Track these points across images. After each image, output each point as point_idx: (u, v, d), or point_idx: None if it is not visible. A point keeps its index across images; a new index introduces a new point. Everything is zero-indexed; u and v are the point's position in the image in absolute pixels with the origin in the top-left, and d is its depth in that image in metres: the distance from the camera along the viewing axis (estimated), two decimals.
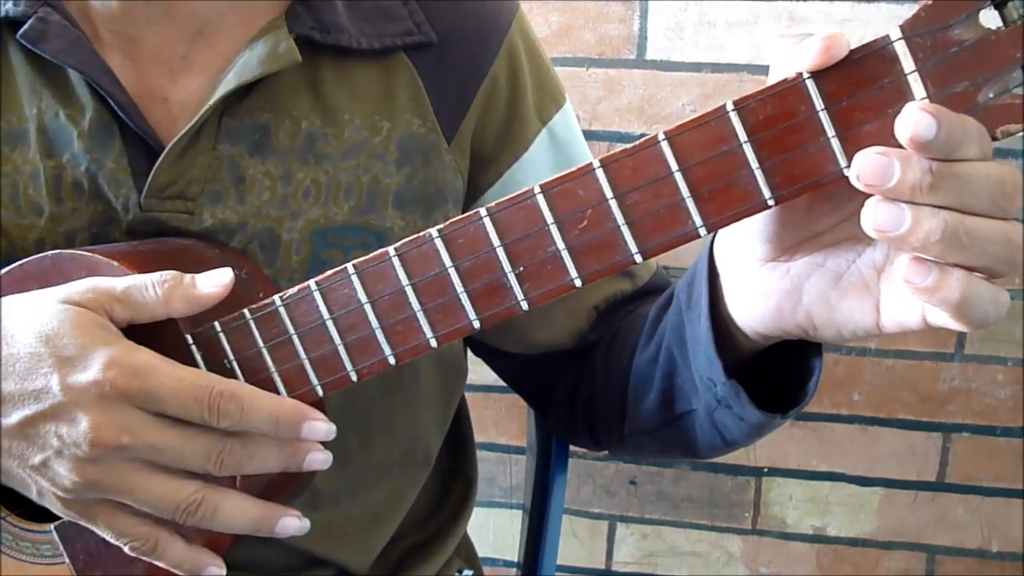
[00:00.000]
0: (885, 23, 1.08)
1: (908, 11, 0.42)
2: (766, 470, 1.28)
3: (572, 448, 0.93)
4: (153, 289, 0.53)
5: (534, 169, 0.72)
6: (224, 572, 0.55)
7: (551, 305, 0.63)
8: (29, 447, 0.52)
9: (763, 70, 1.16)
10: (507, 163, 0.72)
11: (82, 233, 0.63)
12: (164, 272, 0.54)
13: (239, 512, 0.54)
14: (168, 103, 0.65)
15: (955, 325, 0.42)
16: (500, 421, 1.30)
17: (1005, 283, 0.43)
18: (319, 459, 0.54)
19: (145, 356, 0.51)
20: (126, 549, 0.54)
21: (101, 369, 0.50)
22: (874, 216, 0.41)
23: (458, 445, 0.85)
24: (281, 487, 0.57)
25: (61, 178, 0.63)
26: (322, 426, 0.53)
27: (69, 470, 0.51)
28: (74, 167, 0.63)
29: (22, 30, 0.62)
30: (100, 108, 0.63)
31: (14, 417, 0.52)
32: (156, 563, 0.55)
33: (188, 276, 0.54)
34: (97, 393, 0.50)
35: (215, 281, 0.54)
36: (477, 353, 0.82)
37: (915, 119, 0.39)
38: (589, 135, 1.06)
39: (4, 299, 0.55)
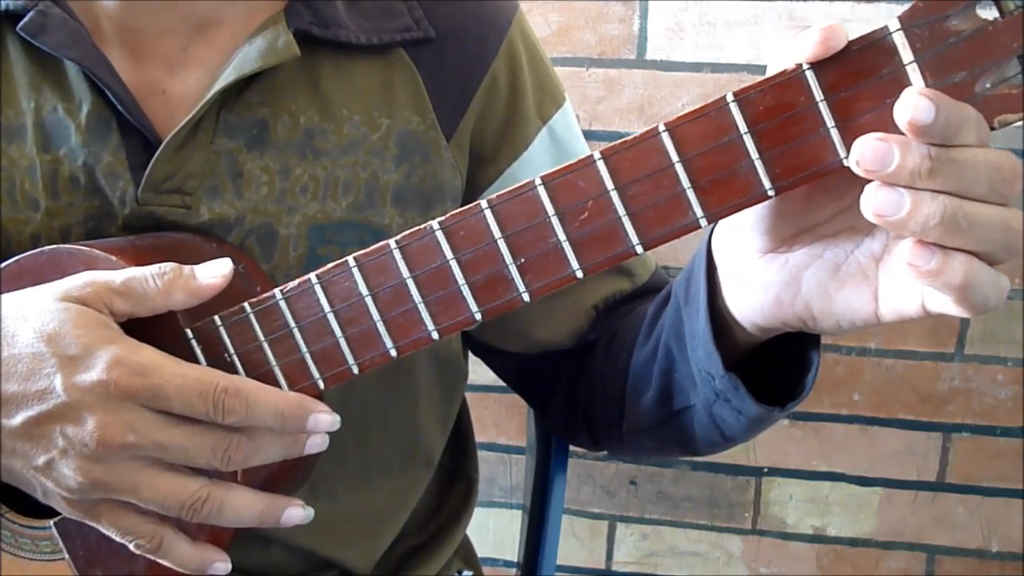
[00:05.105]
0: (885, 22, 1.08)
1: None
2: (766, 470, 1.28)
3: (572, 448, 0.92)
4: (153, 281, 0.53)
5: (534, 168, 0.72)
6: (230, 568, 0.55)
7: (551, 304, 0.62)
8: (34, 448, 0.52)
9: (763, 70, 1.15)
10: (507, 161, 0.72)
11: (77, 228, 0.63)
12: (163, 264, 0.53)
13: (245, 506, 0.53)
14: (166, 96, 0.65)
15: (956, 310, 0.42)
16: (500, 421, 1.30)
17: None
18: (317, 442, 0.55)
19: (148, 354, 0.51)
20: (132, 547, 0.54)
21: (105, 368, 0.50)
22: (874, 201, 0.41)
23: (459, 446, 0.85)
24: (280, 479, 0.57)
25: (57, 172, 0.63)
26: (326, 418, 0.54)
27: (74, 470, 0.51)
28: (71, 161, 0.63)
29: (22, 23, 0.62)
30: (98, 101, 0.63)
31: (18, 418, 0.51)
32: (161, 561, 0.54)
33: (187, 267, 0.53)
34: (102, 393, 0.50)
35: (215, 271, 0.54)
36: (476, 353, 0.82)
37: (914, 103, 0.40)
38: (589, 135, 1.06)
39: (2, 297, 0.54)
